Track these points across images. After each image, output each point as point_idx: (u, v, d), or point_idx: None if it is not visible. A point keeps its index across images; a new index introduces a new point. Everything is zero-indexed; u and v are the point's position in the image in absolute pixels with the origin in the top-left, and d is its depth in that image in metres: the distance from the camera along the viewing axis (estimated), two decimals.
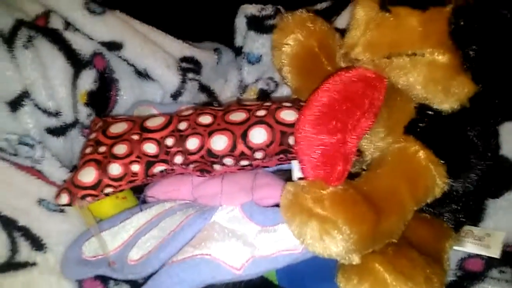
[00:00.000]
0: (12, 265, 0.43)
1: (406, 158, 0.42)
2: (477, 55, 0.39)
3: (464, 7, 0.40)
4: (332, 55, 0.51)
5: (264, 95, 0.68)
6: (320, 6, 0.76)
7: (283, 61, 0.52)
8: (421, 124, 0.43)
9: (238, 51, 0.75)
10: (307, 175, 0.41)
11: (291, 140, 0.47)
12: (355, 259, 0.38)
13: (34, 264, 0.44)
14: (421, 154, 0.41)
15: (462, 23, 0.39)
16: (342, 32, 0.63)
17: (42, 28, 0.55)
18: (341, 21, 0.68)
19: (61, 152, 0.56)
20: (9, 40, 0.51)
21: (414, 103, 0.43)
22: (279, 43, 0.52)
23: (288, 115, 0.48)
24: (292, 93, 0.56)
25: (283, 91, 0.67)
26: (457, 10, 0.39)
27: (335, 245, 0.37)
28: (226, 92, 0.72)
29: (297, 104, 0.50)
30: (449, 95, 0.41)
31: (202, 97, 0.68)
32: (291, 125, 0.47)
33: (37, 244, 0.46)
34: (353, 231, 0.37)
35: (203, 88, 0.69)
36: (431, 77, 0.40)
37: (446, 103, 0.41)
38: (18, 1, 0.55)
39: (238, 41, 0.74)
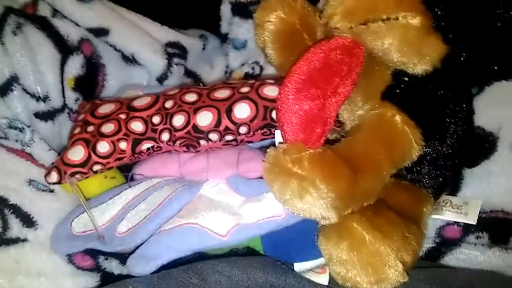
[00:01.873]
0: (3, 241, 0.44)
1: (383, 122, 0.43)
2: (446, 14, 0.40)
3: None
4: (313, 31, 0.52)
5: (249, 78, 0.69)
6: None
7: (266, 38, 0.53)
8: (397, 90, 0.44)
9: (223, 38, 0.77)
10: (287, 139, 0.42)
11: (274, 115, 0.48)
12: (333, 217, 0.40)
13: (25, 240, 0.45)
14: (398, 118, 0.43)
15: None
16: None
17: (31, 15, 0.56)
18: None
19: (49, 136, 0.57)
20: None
21: (390, 69, 0.45)
22: (261, 21, 0.53)
23: (271, 90, 0.50)
24: (276, 71, 0.57)
25: (268, 73, 0.69)
26: None
27: (313, 203, 0.39)
28: (213, 77, 0.73)
29: (280, 81, 0.51)
30: (422, 56, 0.42)
31: (188, 82, 0.70)
32: (274, 100, 0.49)
33: (28, 221, 0.47)
34: (330, 189, 0.39)
35: (189, 73, 0.70)
36: (404, 39, 0.41)
37: (419, 66, 0.43)
38: None
39: (224, 28, 0.75)
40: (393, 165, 0.43)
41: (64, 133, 0.59)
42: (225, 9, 0.73)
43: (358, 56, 0.43)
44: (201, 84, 0.56)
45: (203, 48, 0.73)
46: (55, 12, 0.59)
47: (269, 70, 0.69)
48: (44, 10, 0.58)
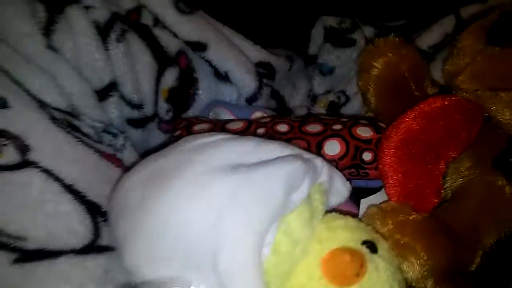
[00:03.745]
0: (94, 249, 0.45)
1: (492, 192, 0.42)
2: None
3: None
4: (420, 81, 0.51)
5: (334, 108, 0.68)
6: (397, 23, 0.76)
7: (370, 83, 0.52)
8: (511, 159, 0.43)
9: (309, 60, 0.77)
10: (390, 197, 0.41)
11: (364, 156, 0.48)
12: (430, 285, 0.39)
13: (114, 249, 0.46)
14: (508, 189, 0.41)
15: None
16: (422, 53, 0.64)
17: (134, 22, 0.57)
18: (420, 42, 0.68)
19: (138, 142, 0.58)
20: (104, 32, 0.54)
21: (507, 137, 0.43)
22: (367, 65, 0.52)
23: (364, 131, 0.49)
24: (373, 114, 0.56)
25: (353, 105, 0.68)
26: None
27: (412, 269, 0.38)
28: (295, 99, 0.73)
29: (374, 123, 0.51)
30: None
31: (272, 103, 0.70)
32: (366, 141, 0.48)
33: None
34: (430, 258, 0.38)
35: (274, 94, 0.70)
36: None
37: None
38: None
39: (312, 50, 0.75)
40: (497, 236, 0.41)
41: (151, 140, 0.60)
42: (317, 33, 0.73)
43: (477, 121, 0.42)
44: (292, 116, 0.55)
45: (289, 69, 0.73)
46: (157, 21, 0.60)
47: (355, 101, 0.68)
48: (146, 19, 0.59)
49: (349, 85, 0.70)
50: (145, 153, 0.60)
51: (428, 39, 0.68)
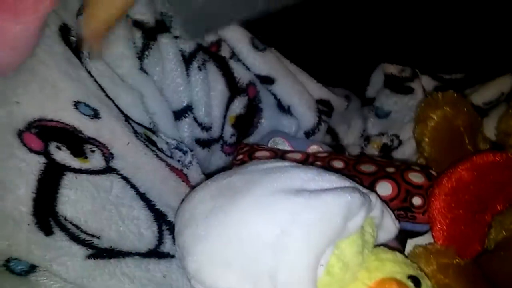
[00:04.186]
0: (157, 253, 0.49)
1: None
2: None
3: None
4: (474, 136, 0.54)
5: (386, 150, 0.72)
6: (455, 76, 0.79)
7: (426, 134, 0.55)
8: None
9: (366, 101, 0.80)
10: (438, 241, 0.44)
11: (414, 200, 0.50)
12: None
13: (173, 256, 0.50)
14: None
15: None
16: (476, 109, 0.66)
17: (214, 54, 0.64)
18: (475, 98, 0.71)
19: (201, 161, 0.64)
20: (189, 60, 0.60)
21: None
22: (424, 116, 0.55)
23: (416, 177, 0.52)
24: (426, 162, 0.58)
25: (405, 150, 0.71)
26: None
27: None
28: (349, 138, 0.77)
29: (425, 170, 0.54)
30: None
31: (327, 139, 0.74)
32: (417, 186, 0.51)
33: None
34: None
35: (329, 130, 0.74)
36: None
37: None
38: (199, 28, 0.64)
39: (370, 93, 0.79)
40: None
41: (213, 160, 0.66)
42: (377, 78, 0.77)
43: None
44: (347, 153, 0.59)
45: (345, 109, 0.77)
46: (233, 54, 0.66)
47: (407, 146, 0.71)
48: (224, 51, 0.65)
49: (403, 130, 0.73)
50: (209, 173, 0.65)
51: (484, 95, 0.71)
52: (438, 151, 0.55)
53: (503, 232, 0.47)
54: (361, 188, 0.41)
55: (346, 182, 0.41)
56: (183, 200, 0.50)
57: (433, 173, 0.53)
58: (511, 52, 0.73)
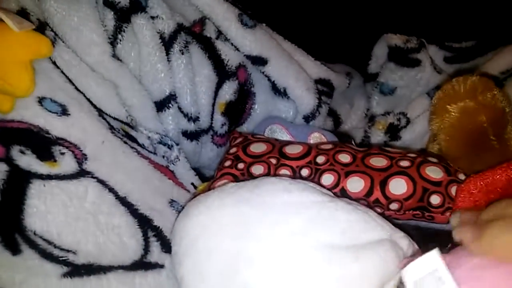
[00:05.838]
0: (143, 265, 0.44)
1: None
2: None
3: None
4: (501, 130, 0.47)
5: (394, 131, 0.66)
6: (464, 44, 0.73)
7: (443, 129, 0.49)
8: None
9: (368, 78, 0.74)
10: None
11: (432, 199, 0.45)
12: None
13: (162, 266, 0.46)
14: None
15: None
16: (493, 78, 0.60)
17: (198, 34, 0.57)
18: (490, 67, 0.64)
19: (190, 154, 0.58)
20: (168, 43, 0.53)
21: None
22: (442, 110, 0.49)
23: (434, 171, 0.46)
24: (444, 156, 0.52)
25: (415, 129, 0.65)
26: None
27: None
28: (352, 119, 0.71)
29: (444, 162, 0.48)
30: None
31: (328, 122, 0.68)
32: (435, 183, 0.45)
33: (167, 246, 0.47)
34: None
35: (330, 112, 0.68)
36: None
37: None
38: (179, 4, 0.57)
39: (372, 68, 0.73)
40: None
41: (203, 153, 0.60)
42: (380, 51, 0.71)
43: None
44: (353, 143, 0.53)
45: (347, 87, 0.71)
46: (219, 34, 0.59)
47: (417, 125, 0.65)
48: (210, 30, 0.59)
49: (410, 107, 0.67)
50: (199, 167, 0.60)
51: (500, 64, 0.64)
52: (458, 148, 0.48)
53: None
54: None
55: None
56: (182, 208, 0.45)
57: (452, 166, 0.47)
58: None
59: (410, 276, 0.31)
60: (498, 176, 0.38)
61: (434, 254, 0.31)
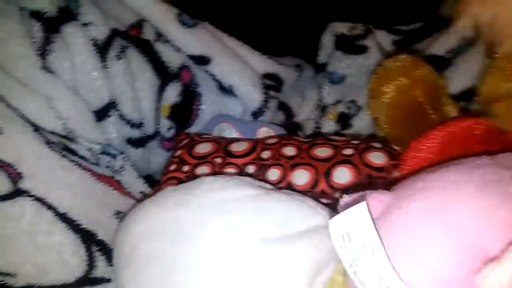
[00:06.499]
0: (88, 280, 0.43)
1: None
2: None
3: None
4: (437, 102, 0.47)
5: (344, 119, 0.65)
6: (413, 26, 0.73)
7: (381, 110, 0.48)
8: None
9: (319, 68, 0.73)
10: None
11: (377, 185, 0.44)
12: None
13: (109, 280, 0.44)
14: None
15: None
16: (438, 59, 0.60)
17: (135, 38, 0.55)
18: (437, 47, 0.64)
19: (138, 162, 0.57)
20: (103, 49, 0.52)
21: None
22: (378, 92, 0.48)
23: (376, 157, 0.46)
24: (387, 139, 0.52)
25: (365, 116, 0.65)
26: None
27: None
28: (304, 111, 0.70)
29: (387, 146, 0.47)
30: None
31: (280, 115, 0.67)
32: (378, 168, 0.45)
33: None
34: None
35: (281, 106, 0.67)
36: None
37: None
38: (114, 8, 0.55)
39: (322, 58, 0.72)
40: None
41: (152, 159, 0.58)
42: (327, 40, 0.70)
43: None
44: (300, 135, 0.52)
45: (297, 79, 0.70)
46: (159, 36, 0.58)
47: (366, 112, 0.64)
48: (148, 33, 0.57)
49: (360, 94, 0.66)
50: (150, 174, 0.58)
51: (445, 43, 0.64)
52: (398, 128, 0.48)
53: None
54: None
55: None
56: (124, 215, 0.45)
57: (396, 149, 0.47)
58: None
59: (337, 230, 0.30)
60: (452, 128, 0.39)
61: (362, 206, 0.30)
